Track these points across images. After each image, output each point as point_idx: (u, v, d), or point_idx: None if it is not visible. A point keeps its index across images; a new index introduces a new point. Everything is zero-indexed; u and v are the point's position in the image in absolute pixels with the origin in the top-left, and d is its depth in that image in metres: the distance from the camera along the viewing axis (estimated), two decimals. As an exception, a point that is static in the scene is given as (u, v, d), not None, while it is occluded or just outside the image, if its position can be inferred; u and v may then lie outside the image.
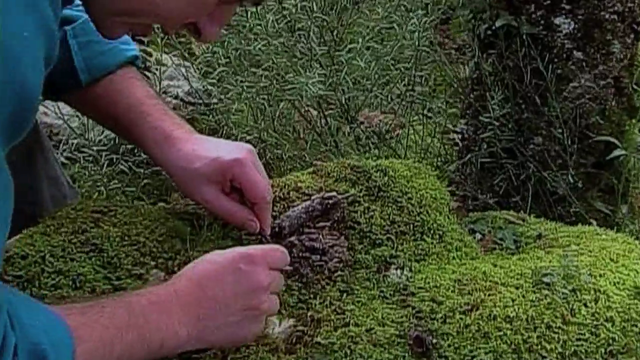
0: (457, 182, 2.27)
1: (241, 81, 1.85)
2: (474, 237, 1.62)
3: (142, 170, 2.04)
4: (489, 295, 1.31)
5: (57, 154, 2.16)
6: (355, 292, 1.32)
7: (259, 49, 1.77)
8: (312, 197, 1.43)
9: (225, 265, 1.14)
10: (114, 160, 2.12)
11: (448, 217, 1.52)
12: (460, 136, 2.30)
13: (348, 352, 1.19)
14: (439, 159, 2.30)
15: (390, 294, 1.33)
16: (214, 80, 2.09)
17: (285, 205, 1.45)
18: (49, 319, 0.97)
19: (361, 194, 1.47)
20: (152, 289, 1.11)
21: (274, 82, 1.78)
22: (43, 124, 2.34)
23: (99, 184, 2.04)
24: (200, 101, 2.11)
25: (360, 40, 1.73)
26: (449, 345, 1.23)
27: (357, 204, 1.46)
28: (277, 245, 1.24)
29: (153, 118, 1.39)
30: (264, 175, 1.35)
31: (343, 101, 1.81)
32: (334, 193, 1.43)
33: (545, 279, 1.36)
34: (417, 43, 1.79)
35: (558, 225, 1.69)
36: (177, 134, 1.37)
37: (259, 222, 1.34)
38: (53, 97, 1.54)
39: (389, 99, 1.89)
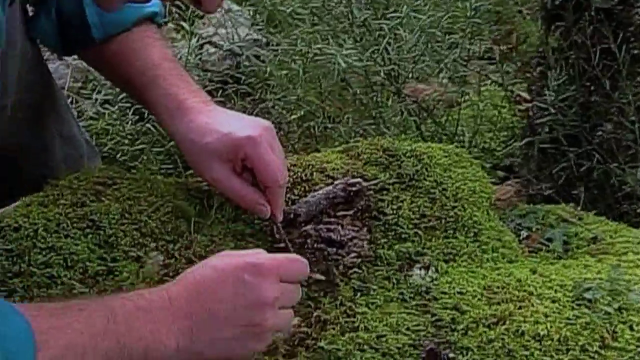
0: (518, 164, 2.20)
1: (277, 44, 1.81)
2: (519, 235, 1.57)
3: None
4: (520, 307, 1.25)
5: (91, 105, 2.18)
6: (371, 292, 1.29)
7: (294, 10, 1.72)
8: (335, 182, 1.40)
9: (227, 273, 1.09)
10: (145, 115, 2.12)
11: (487, 213, 1.47)
12: (525, 113, 2.22)
13: (353, 360, 1.17)
14: (496, 136, 2.22)
15: (409, 297, 1.29)
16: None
17: (307, 187, 1.42)
18: (9, 321, 0.94)
19: (391, 181, 1.43)
20: (144, 292, 1.07)
21: (311, 46, 1.73)
22: (77, 68, 2.36)
23: (123, 142, 2.05)
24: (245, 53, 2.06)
25: (405, 8, 1.66)
26: (467, 362, 1.19)
27: (385, 192, 1.42)
28: (296, 256, 1.18)
29: (167, 83, 1.37)
30: (280, 156, 1.31)
31: (387, 72, 1.75)
32: (360, 180, 1.39)
33: (587, 295, 1.29)
34: (469, 13, 1.71)
35: (619, 227, 1.61)
36: (190, 103, 1.35)
37: (270, 207, 1.31)
38: (67, 52, 1.54)
39: (441, 70, 1.82)
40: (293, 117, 2.13)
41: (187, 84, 1.39)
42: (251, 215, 1.35)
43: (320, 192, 1.38)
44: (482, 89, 2.24)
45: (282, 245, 1.31)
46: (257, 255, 1.13)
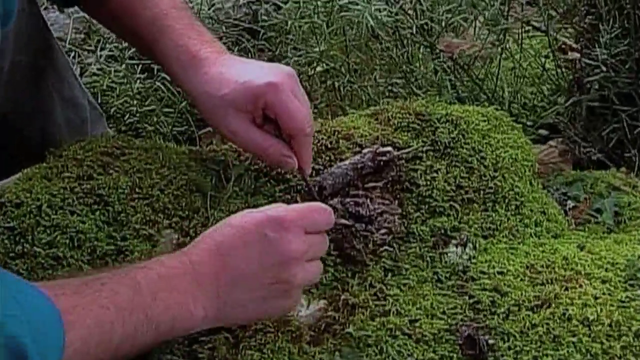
0: (564, 123, 2.17)
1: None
2: (565, 206, 1.55)
3: (179, 89, 2.02)
4: (567, 288, 1.25)
5: (94, 60, 2.17)
6: (403, 272, 1.28)
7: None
8: (364, 151, 1.38)
9: (250, 230, 1.11)
10: (155, 72, 2.11)
11: (530, 183, 1.45)
12: (572, 65, 2.18)
13: (384, 347, 1.16)
14: (539, 91, 2.19)
15: (445, 277, 1.29)
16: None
17: (332, 156, 1.41)
18: (34, 303, 0.96)
19: (424, 150, 1.41)
20: (163, 259, 1.09)
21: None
22: (79, 19, 2.34)
23: (131, 102, 2.05)
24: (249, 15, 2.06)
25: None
26: (509, 348, 1.18)
27: (417, 161, 1.40)
28: (317, 204, 1.20)
29: (177, 34, 1.36)
30: (306, 104, 1.30)
31: (419, 25, 1.72)
32: (390, 148, 1.37)
33: (642, 274, 1.29)
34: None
35: (679, 196, 1.59)
36: (204, 53, 1.33)
37: (296, 159, 1.30)
38: (67, 3, 1.53)
39: (477, 21, 1.79)
40: (316, 70, 2.11)
41: (200, 34, 1.37)
42: (273, 187, 1.35)
43: (347, 162, 1.37)
44: (523, 36, 2.20)
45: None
46: (278, 208, 1.15)
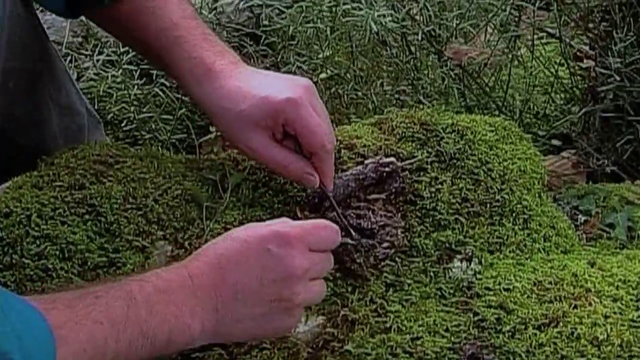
0: (577, 133, 2.17)
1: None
2: (575, 220, 1.55)
3: (180, 95, 2.03)
4: (576, 306, 1.25)
5: (92, 65, 2.18)
6: (405, 287, 1.28)
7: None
8: (366, 162, 1.38)
9: (252, 245, 1.11)
10: (153, 78, 2.12)
11: (539, 196, 1.45)
12: (586, 74, 2.18)
13: (384, 366, 1.17)
14: (552, 100, 2.19)
15: (449, 293, 1.29)
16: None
17: (334, 167, 1.41)
18: (24, 318, 0.96)
19: (429, 161, 1.41)
20: (160, 271, 1.10)
21: (339, 5, 1.71)
22: (76, 22, 2.35)
23: (128, 109, 2.05)
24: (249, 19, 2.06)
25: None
26: (514, 368, 1.18)
27: (422, 173, 1.40)
28: (323, 221, 1.20)
29: (190, 45, 1.36)
30: (324, 117, 1.31)
31: (426, 32, 1.72)
32: (393, 159, 1.37)
33: (655, 292, 1.28)
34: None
35: (695, 211, 1.59)
36: (219, 66, 1.34)
37: (318, 176, 1.30)
38: (72, 14, 1.53)
39: (488, 30, 1.79)
40: (320, 77, 2.11)
41: (213, 45, 1.37)
42: (272, 198, 1.35)
43: (349, 172, 1.37)
44: (536, 43, 2.20)
45: (337, 219, 1.30)
46: (283, 223, 1.15)
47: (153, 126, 2.07)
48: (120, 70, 2.03)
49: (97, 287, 1.05)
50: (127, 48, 1.98)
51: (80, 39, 2.39)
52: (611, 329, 1.21)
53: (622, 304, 1.26)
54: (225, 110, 1.30)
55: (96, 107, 2.06)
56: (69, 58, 2.21)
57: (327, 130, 1.29)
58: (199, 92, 1.34)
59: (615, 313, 1.24)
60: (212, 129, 2.17)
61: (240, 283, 1.09)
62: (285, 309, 1.12)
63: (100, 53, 2.07)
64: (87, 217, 1.25)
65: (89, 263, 1.22)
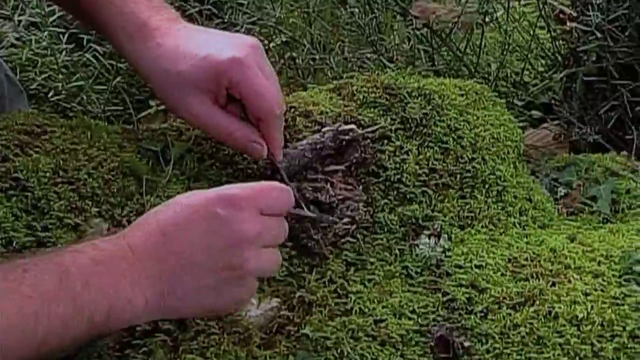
0: (558, 102, 2.22)
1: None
2: (555, 193, 1.60)
3: (115, 63, 2.05)
4: (554, 284, 1.29)
5: (12, 28, 2.18)
6: (368, 266, 1.32)
7: None
8: (324, 129, 1.42)
9: (197, 209, 1.14)
10: (84, 43, 2.12)
11: (514, 167, 1.49)
12: (568, 36, 2.23)
13: (345, 351, 1.20)
14: (531, 67, 2.24)
15: (416, 272, 1.32)
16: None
17: (288, 136, 1.44)
18: None
19: (393, 128, 1.45)
20: (97, 242, 1.12)
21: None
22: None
23: (56, 77, 2.06)
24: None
25: None
26: (487, 351, 1.22)
27: (385, 141, 1.44)
28: (275, 183, 1.23)
29: (122, 0, 1.39)
30: (274, 80, 1.34)
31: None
32: (353, 126, 1.41)
33: (639, 268, 1.33)
34: None
35: (684, 180, 1.64)
36: (155, 22, 1.36)
37: (266, 145, 1.34)
38: None
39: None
40: (272, 44, 2.14)
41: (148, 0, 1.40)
42: (219, 171, 1.38)
43: (305, 142, 1.40)
44: (513, 3, 2.24)
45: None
46: (231, 186, 1.18)
47: (84, 98, 2.08)
48: (46, 34, 2.03)
49: (25, 259, 1.07)
50: (53, 7, 1.99)
51: (-3, 0, 2.39)
52: (592, 307, 1.25)
53: (603, 280, 1.30)
54: (163, 71, 1.33)
55: (18, 76, 2.06)
56: (-16, 21, 2.21)
57: (276, 94, 1.32)
58: (133, 50, 1.36)
59: (596, 290, 1.28)
60: (152, 102, 2.18)
61: (185, 252, 1.12)
62: (236, 278, 1.14)
63: (21, 14, 2.07)
64: (11, 192, 1.27)
65: (14, 243, 1.23)
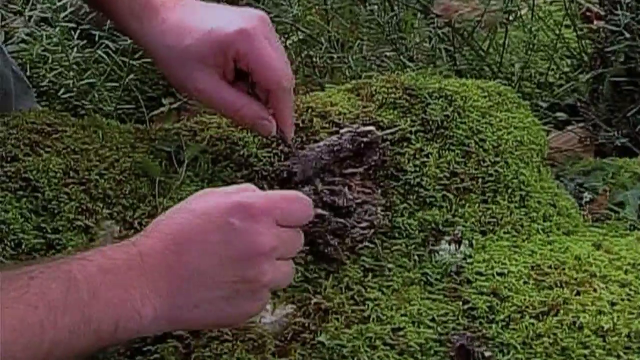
0: (584, 103, 2.21)
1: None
2: (580, 198, 1.59)
3: (127, 60, 2.05)
4: (578, 293, 1.28)
5: (22, 24, 2.19)
6: (386, 272, 1.32)
7: None
8: (342, 131, 1.42)
9: (212, 218, 1.13)
10: (96, 39, 2.13)
11: (538, 171, 1.49)
12: (596, 36, 2.22)
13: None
14: (556, 67, 2.23)
15: (436, 279, 1.32)
16: None
17: (305, 137, 1.44)
18: None
19: (413, 130, 1.45)
20: (106, 250, 1.11)
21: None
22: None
23: (67, 75, 2.07)
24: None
25: None
26: (509, 362, 1.22)
27: (405, 144, 1.44)
28: (294, 192, 1.23)
29: None
30: (282, 53, 1.34)
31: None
32: (372, 128, 1.41)
33: (668, 276, 1.33)
34: None
35: None
36: None
37: (275, 122, 1.35)
38: None
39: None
40: (289, 42, 2.14)
41: None
42: (233, 172, 1.38)
43: (322, 143, 1.40)
44: (538, 1, 2.23)
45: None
46: (247, 193, 1.17)
47: (96, 96, 2.08)
48: (57, 29, 2.04)
49: (31, 267, 1.06)
50: (64, 2, 2.00)
51: (7, -7, 2.40)
52: (618, 317, 1.24)
53: (630, 289, 1.29)
54: (168, 47, 1.34)
55: (28, 73, 2.07)
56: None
57: (285, 66, 1.33)
58: (139, 28, 1.38)
59: (622, 300, 1.27)
60: (164, 101, 2.19)
61: (198, 262, 1.11)
62: (250, 291, 1.14)
63: (32, 9, 2.07)
64: (21, 193, 1.28)
65: (23, 245, 1.24)
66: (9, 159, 1.31)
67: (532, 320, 1.25)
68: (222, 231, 1.12)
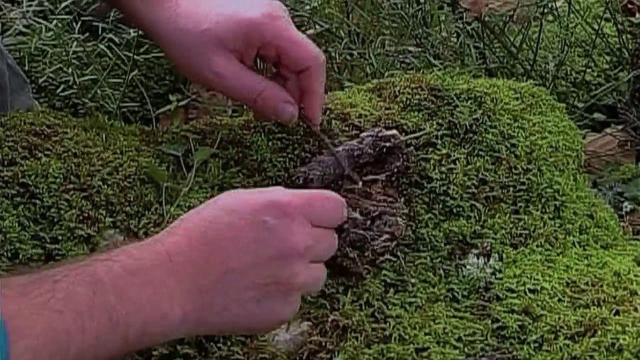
0: (624, 104, 2.21)
1: None
2: (620, 209, 1.59)
3: (131, 54, 2.06)
4: (617, 312, 1.28)
5: (20, 16, 2.20)
6: (409, 288, 1.32)
7: None
8: (362, 135, 1.42)
9: (243, 215, 1.14)
10: (98, 32, 2.14)
11: (574, 179, 1.49)
12: (638, 30, 2.22)
13: (382, 383, 1.21)
14: (594, 64, 2.23)
15: (463, 296, 1.32)
16: None
17: (322, 142, 1.44)
18: None
19: (439, 134, 1.45)
20: (131, 249, 1.11)
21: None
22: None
23: (67, 70, 2.07)
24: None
25: None
26: (542, 386, 1.22)
27: (430, 149, 1.44)
28: (328, 192, 1.24)
29: None
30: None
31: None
32: (395, 132, 1.41)
33: None
34: None
35: None
36: None
37: (297, 108, 1.37)
38: None
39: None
40: (307, 33, 2.14)
41: None
42: (246, 179, 1.38)
43: (341, 148, 1.40)
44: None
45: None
46: (279, 192, 1.18)
47: (98, 92, 2.09)
48: (56, 22, 2.04)
49: (56, 269, 1.07)
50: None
51: (4, -17, 2.41)
52: (660, 339, 1.24)
53: (675, 308, 1.29)
54: (182, 31, 1.36)
55: (27, 67, 2.09)
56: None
57: (314, 45, 1.36)
58: (149, 13, 1.39)
59: (666, 320, 1.27)
60: (172, 97, 2.19)
61: (229, 261, 1.12)
62: (281, 292, 1.14)
63: (30, 0, 2.08)
64: (18, 199, 1.28)
65: (20, 255, 1.24)
66: (5, 162, 1.31)
67: (567, 342, 1.24)
68: (254, 229, 1.13)
